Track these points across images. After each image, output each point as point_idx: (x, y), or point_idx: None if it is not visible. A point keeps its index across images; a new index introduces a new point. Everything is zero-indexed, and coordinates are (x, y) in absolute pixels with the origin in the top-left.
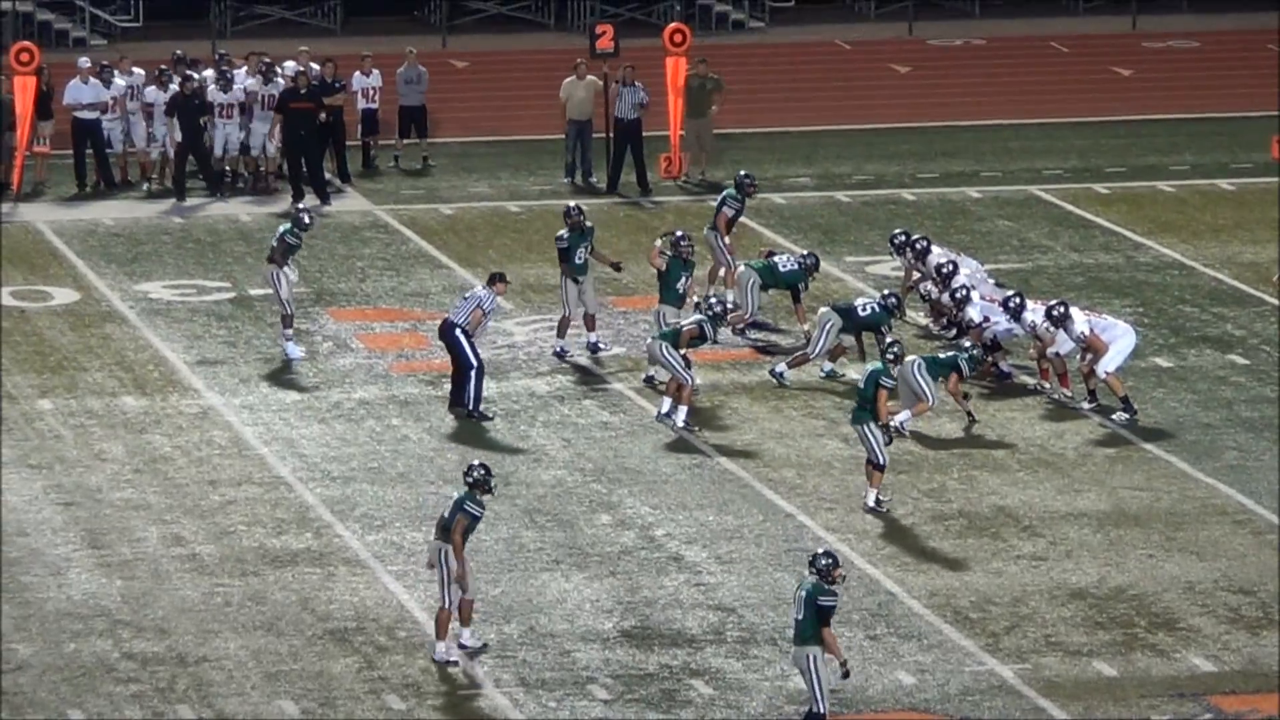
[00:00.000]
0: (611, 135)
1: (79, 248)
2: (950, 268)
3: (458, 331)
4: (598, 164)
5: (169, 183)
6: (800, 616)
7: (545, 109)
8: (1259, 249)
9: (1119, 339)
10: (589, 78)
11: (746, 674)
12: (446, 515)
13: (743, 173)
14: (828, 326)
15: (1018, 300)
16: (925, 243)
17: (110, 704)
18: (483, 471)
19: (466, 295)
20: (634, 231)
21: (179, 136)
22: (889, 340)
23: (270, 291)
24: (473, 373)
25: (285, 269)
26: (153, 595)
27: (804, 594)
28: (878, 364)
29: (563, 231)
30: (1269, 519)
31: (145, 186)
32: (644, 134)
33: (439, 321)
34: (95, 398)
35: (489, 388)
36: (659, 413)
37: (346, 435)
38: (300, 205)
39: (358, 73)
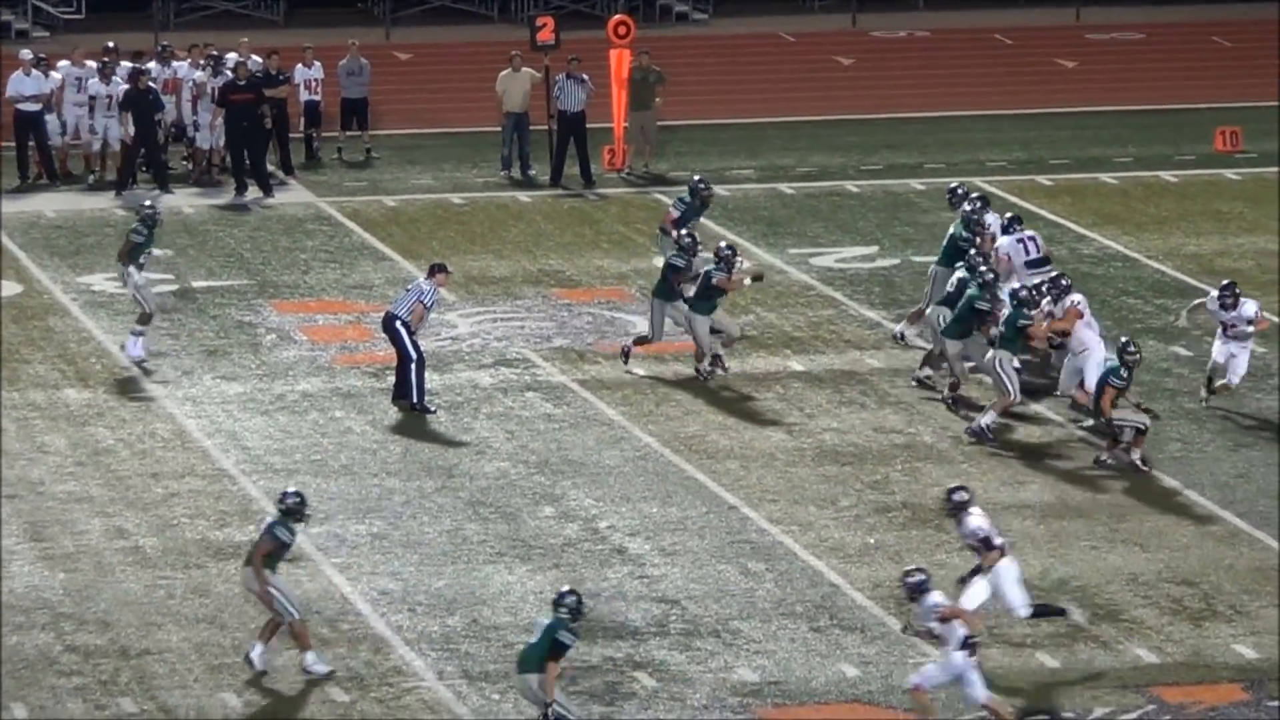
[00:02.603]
0: (553, 128)
1: (21, 240)
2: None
3: (398, 324)
4: (538, 156)
5: (113, 175)
6: (534, 641)
7: (488, 101)
8: (1202, 241)
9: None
10: (525, 70)
11: (690, 666)
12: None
13: (697, 177)
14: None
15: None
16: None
17: (53, 697)
18: (297, 499)
19: (409, 287)
20: (577, 224)
21: (132, 130)
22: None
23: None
24: (413, 365)
25: (131, 268)
26: (95, 588)
27: (545, 623)
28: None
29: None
30: (1211, 510)
31: (90, 179)
32: (587, 126)
33: (381, 314)
34: (38, 390)
35: (432, 380)
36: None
37: (290, 428)
38: (242, 198)
39: (300, 65)
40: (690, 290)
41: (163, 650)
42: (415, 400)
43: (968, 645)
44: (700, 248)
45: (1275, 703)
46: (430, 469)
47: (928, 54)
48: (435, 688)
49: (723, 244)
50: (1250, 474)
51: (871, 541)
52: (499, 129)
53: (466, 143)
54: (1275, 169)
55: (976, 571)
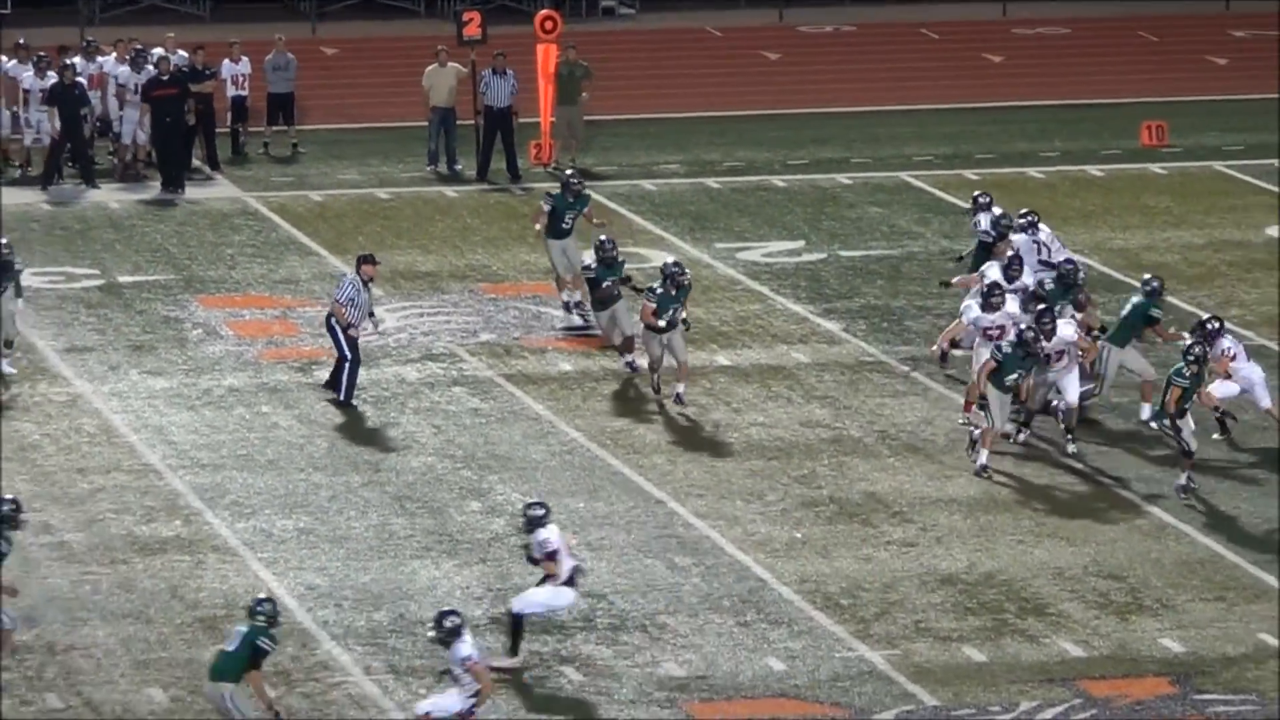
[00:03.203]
0: (481, 123)
1: None
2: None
3: (333, 321)
4: (464, 151)
5: (40, 170)
6: (230, 649)
7: (414, 96)
8: (1128, 235)
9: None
10: (452, 65)
11: (616, 661)
12: None
13: (568, 172)
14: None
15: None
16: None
17: None
18: (12, 506)
19: (340, 282)
20: (504, 219)
21: (58, 125)
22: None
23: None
24: (346, 364)
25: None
26: (21, 583)
27: (242, 631)
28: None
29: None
30: (1137, 504)
31: (16, 173)
32: (514, 121)
33: (308, 308)
34: None
35: (358, 374)
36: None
37: (216, 422)
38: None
39: (227, 60)
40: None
41: (88, 645)
42: (343, 397)
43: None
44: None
45: (1201, 696)
46: (357, 464)
47: (854, 49)
48: (361, 682)
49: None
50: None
51: (798, 536)
52: (425, 124)
53: (393, 138)
54: (1201, 163)
55: (545, 580)
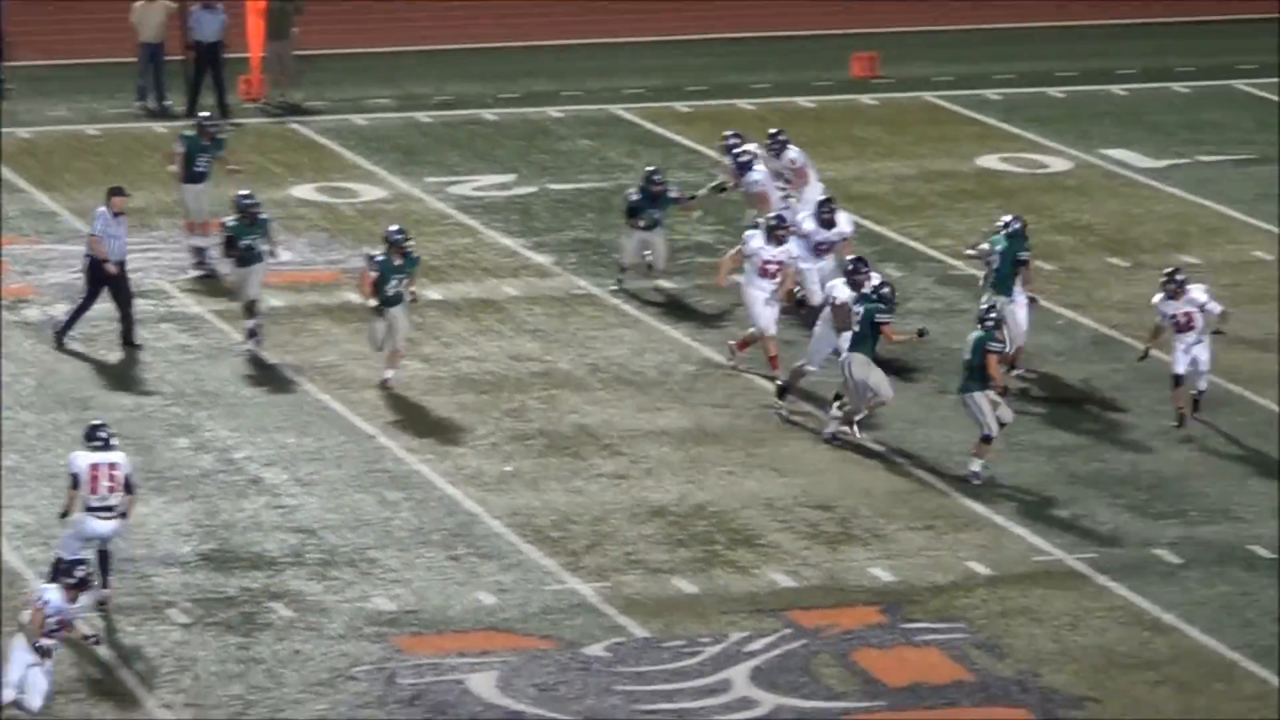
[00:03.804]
0: (190, 58)
1: None
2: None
3: (86, 258)
4: (174, 87)
5: None
6: None
7: (123, 32)
8: (839, 166)
9: None
10: (160, 1)
11: (326, 596)
12: None
13: (203, 114)
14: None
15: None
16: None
17: None
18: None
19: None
20: None
21: None
22: (986, 305)
23: None
24: (82, 300)
25: None
26: None
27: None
28: (979, 331)
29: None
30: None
31: None
32: (223, 56)
33: (15, 246)
34: None
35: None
36: None
37: None
38: None
39: None
40: None
41: None
42: (60, 330)
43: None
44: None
45: (910, 624)
46: (65, 402)
47: None
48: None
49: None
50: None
51: (509, 470)
52: (134, 60)
53: (102, 74)
54: (911, 94)
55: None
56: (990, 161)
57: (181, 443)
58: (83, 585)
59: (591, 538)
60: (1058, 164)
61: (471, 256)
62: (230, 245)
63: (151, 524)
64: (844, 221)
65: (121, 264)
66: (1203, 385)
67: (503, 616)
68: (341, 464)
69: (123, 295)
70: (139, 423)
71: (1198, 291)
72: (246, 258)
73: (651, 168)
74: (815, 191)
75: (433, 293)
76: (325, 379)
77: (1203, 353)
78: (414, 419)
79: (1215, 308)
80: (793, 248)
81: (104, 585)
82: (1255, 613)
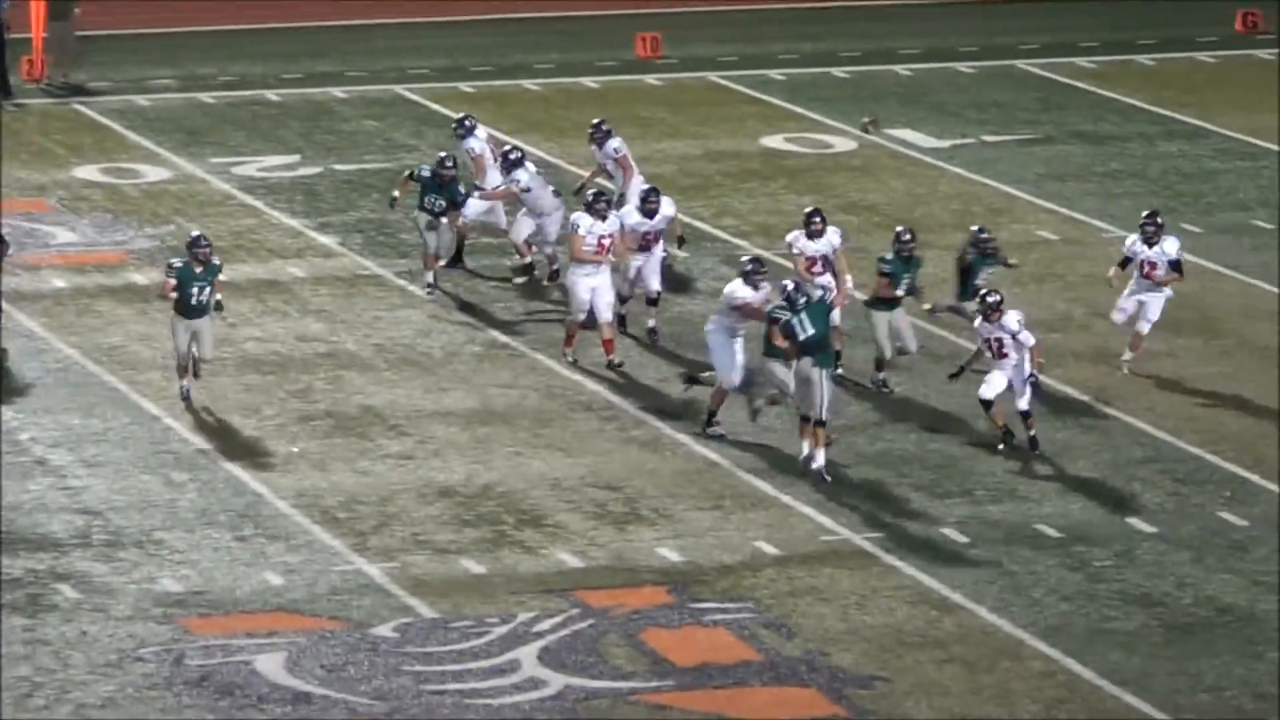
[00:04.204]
0: None
1: None
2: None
3: None
4: None
5: None
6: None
7: None
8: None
9: None
10: None
11: (113, 577)
12: None
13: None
14: None
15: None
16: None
17: None
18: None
19: None
20: None
21: None
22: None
23: None
24: None
25: None
26: None
27: None
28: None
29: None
30: (634, 415)
31: None
32: (5, 37)
33: None
34: None
35: None
36: None
37: None
38: None
39: None
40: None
41: None
42: None
43: None
44: None
45: (699, 604)
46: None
47: None
48: None
49: None
50: (672, 377)
51: (295, 450)
52: None
53: None
54: (695, 74)
55: None
56: (775, 141)
57: None
58: None
59: (379, 518)
60: (842, 144)
61: (256, 237)
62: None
63: None
64: (666, 205)
65: None
66: (1023, 404)
67: (290, 597)
68: (127, 445)
69: None
70: None
71: (1011, 319)
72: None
73: (444, 154)
74: (638, 183)
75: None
76: (110, 360)
77: (1018, 377)
78: (200, 400)
79: (1028, 339)
80: (616, 221)
81: None
82: (1041, 591)
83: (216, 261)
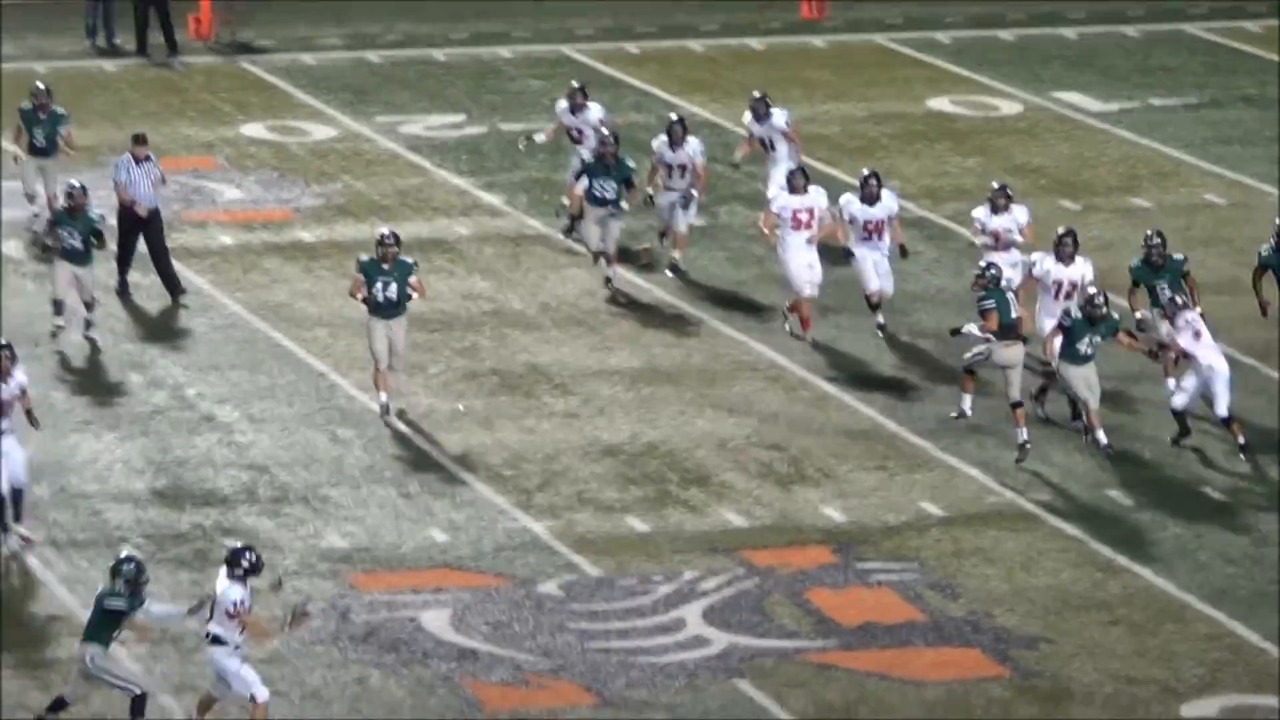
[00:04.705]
0: None
1: None
2: None
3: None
4: (124, 25)
5: None
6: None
7: None
8: (789, 109)
9: None
10: None
11: (279, 533)
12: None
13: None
14: None
15: None
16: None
17: None
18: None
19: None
20: (163, 93)
21: None
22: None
23: None
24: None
25: None
26: None
27: (98, 592)
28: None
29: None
30: (799, 375)
31: None
32: None
33: None
34: None
35: (9, 247)
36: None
37: None
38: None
39: None
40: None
41: None
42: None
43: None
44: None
45: (863, 564)
46: (15, 337)
47: None
48: (23, 555)
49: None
50: (839, 339)
51: (461, 408)
52: None
53: (51, 12)
54: (862, 36)
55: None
56: (941, 104)
57: (134, 380)
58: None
59: (543, 476)
60: (1008, 107)
61: (422, 196)
62: (51, 230)
63: (104, 460)
64: (889, 197)
65: (153, 211)
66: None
67: (455, 554)
68: (293, 401)
69: (154, 243)
70: (90, 359)
71: (1086, 266)
72: (65, 252)
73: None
74: (784, 155)
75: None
76: (276, 316)
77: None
78: (365, 357)
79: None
80: (820, 196)
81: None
82: (1207, 555)
83: (409, 260)
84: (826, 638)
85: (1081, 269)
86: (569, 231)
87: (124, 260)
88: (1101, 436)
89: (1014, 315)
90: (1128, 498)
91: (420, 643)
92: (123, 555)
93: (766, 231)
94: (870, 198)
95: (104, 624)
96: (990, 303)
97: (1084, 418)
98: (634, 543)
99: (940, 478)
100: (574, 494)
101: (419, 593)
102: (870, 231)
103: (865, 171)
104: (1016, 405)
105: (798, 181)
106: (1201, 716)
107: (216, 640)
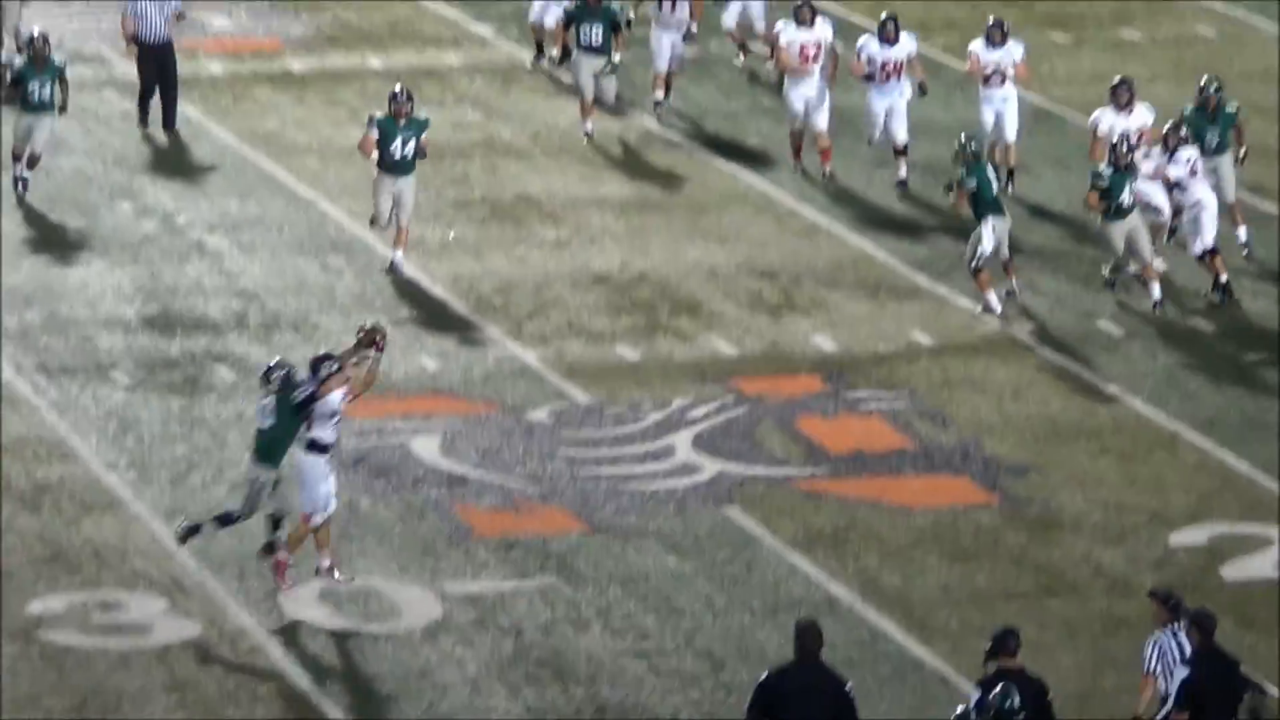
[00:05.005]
0: None
1: None
2: None
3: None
4: None
5: None
6: (267, 425)
7: None
8: None
9: None
10: None
11: (270, 359)
12: None
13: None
14: None
15: None
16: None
17: None
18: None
19: None
20: None
21: None
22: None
23: None
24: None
25: None
26: None
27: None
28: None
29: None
30: (789, 205)
31: None
32: None
33: None
34: None
35: None
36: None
37: None
38: None
39: None
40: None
41: None
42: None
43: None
44: None
45: (853, 392)
46: (5, 164)
47: None
48: (13, 381)
49: None
50: (836, 174)
51: (451, 237)
52: None
53: None
54: None
55: None
56: None
57: (124, 207)
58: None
59: (534, 304)
60: None
61: (412, 26)
62: (15, 86)
63: (94, 287)
64: (907, 39)
65: (165, 44)
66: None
67: (445, 381)
68: (283, 229)
69: (165, 76)
70: (81, 187)
71: (1148, 114)
72: (31, 104)
73: None
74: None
75: (374, 61)
76: (267, 145)
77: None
78: (355, 186)
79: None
80: (827, 29)
81: None
82: (1197, 384)
83: (422, 116)
84: (816, 465)
85: (1143, 116)
86: (536, 60)
87: (144, 95)
88: (1155, 291)
89: (995, 191)
90: (1118, 327)
91: (410, 468)
92: (273, 363)
93: (786, 69)
94: (889, 38)
95: (292, 425)
96: (973, 181)
97: (1124, 274)
98: (624, 370)
99: (931, 307)
100: (564, 322)
101: (409, 419)
102: (889, 74)
103: (884, 14)
104: (1006, 263)
105: (804, 14)
106: (1190, 544)
107: (317, 447)
